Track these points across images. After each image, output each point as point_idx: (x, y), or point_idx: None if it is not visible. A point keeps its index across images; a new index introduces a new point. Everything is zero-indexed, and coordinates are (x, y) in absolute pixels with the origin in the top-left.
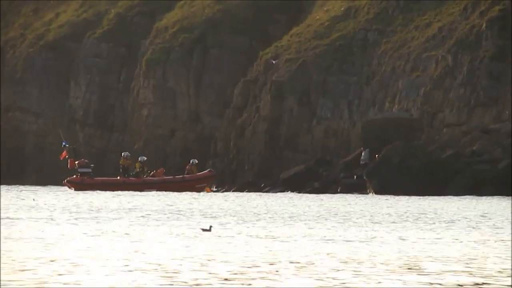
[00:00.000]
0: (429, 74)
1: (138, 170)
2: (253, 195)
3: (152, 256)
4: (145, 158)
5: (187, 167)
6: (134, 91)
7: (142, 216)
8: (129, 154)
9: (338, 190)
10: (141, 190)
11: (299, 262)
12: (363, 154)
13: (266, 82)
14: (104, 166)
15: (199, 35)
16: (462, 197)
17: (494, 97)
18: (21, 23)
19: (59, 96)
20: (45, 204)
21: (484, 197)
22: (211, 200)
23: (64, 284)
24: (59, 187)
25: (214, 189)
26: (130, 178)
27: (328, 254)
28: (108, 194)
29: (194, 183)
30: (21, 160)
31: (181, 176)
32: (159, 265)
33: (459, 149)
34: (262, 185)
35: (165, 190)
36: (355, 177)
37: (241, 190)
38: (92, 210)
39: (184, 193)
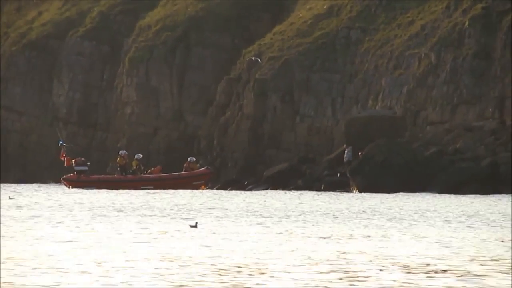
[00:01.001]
0: (412, 72)
1: (135, 168)
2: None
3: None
4: (141, 156)
5: (184, 164)
6: (117, 89)
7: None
8: (126, 153)
9: (322, 188)
10: (137, 188)
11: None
12: (346, 151)
13: (249, 80)
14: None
15: (182, 33)
16: (444, 195)
17: (477, 95)
18: (4, 22)
19: (42, 95)
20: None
21: (465, 195)
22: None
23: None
24: (43, 184)
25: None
26: (127, 176)
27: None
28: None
29: (191, 180)
30: (4, 158)
31: (177, 173)
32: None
33: (442, 146)
34: (246, 182)
35: (162, 188)
36: (338, 174)
37: (225, 188)
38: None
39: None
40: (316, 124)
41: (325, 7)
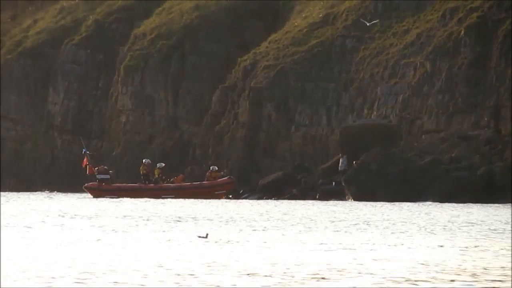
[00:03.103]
0: (408, 81)
1: (157, 176)
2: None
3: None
4: (163, 165)
5: (207, 173)
6: (112, 97)
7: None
8: (149, 161)
9: (317, 196)
10: (158, 197)
11: None
12: (341, 160)
13: (244, 89)
14: (83, 173)
15: (177, 42)
16: (439, 204)
17: (473, 104)
18: None
19: (37, 103)
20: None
21: (461, 204)
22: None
23: None
24: (37, 193)
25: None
26: (148, 185)
27: None
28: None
29: (213, 190)
30: None
31: (199, 182)
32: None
33: (438, 155)
34: (241, 191)
35: (183, 197)
36: (333, 183)
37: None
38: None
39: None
40: (311, 132)
41: (320, 15)
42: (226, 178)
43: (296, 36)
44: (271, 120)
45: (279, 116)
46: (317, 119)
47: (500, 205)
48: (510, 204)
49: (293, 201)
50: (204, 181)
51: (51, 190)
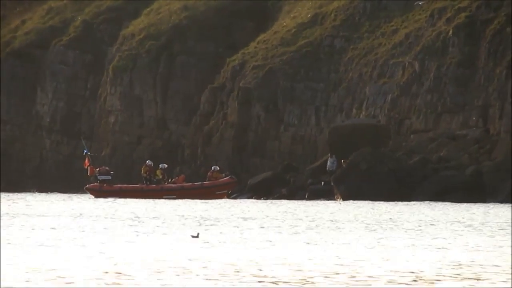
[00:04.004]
0: (396, 81)
1: (160, 177)
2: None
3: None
4: (166, 166)
5: (208, 173)
6: (101, 98)
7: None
8: (151, 163)
9: (306, 196)
10: (160, 197)
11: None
12: (329, 160)
13: (233, 89)
14: (71, 173)
15: (166, 42)
16: (427, 203)
17: (461, 103)
18: None
19: (26, 103)
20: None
21: (449, 203)
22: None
23: None
24: (28, 194)
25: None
26: (149, 185)
27: None
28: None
29: (214, 190)
30: None
31: (200, 183)
32: None
33: (426, 155)
34: (230, 191)
35: (184, 197)
36: (322, 183)
37: None
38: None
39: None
40: (300, 132)
41: (309, 15)
42: (227, 178)
43: (284, 36)
44: (260, 120)
45: (268, 116)
46: (306, 119)
47: (488, 204)
48: (498, 203)
49: (283, 201)
50: (205, 181)
51: (40, 191)
